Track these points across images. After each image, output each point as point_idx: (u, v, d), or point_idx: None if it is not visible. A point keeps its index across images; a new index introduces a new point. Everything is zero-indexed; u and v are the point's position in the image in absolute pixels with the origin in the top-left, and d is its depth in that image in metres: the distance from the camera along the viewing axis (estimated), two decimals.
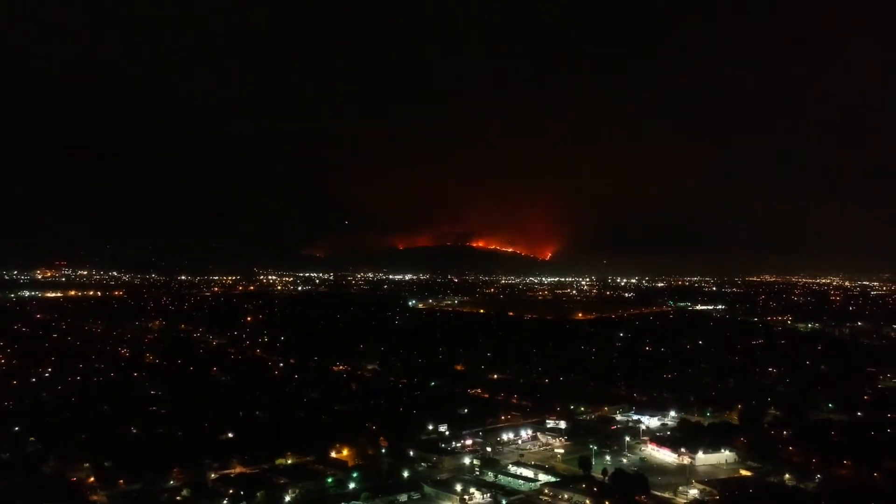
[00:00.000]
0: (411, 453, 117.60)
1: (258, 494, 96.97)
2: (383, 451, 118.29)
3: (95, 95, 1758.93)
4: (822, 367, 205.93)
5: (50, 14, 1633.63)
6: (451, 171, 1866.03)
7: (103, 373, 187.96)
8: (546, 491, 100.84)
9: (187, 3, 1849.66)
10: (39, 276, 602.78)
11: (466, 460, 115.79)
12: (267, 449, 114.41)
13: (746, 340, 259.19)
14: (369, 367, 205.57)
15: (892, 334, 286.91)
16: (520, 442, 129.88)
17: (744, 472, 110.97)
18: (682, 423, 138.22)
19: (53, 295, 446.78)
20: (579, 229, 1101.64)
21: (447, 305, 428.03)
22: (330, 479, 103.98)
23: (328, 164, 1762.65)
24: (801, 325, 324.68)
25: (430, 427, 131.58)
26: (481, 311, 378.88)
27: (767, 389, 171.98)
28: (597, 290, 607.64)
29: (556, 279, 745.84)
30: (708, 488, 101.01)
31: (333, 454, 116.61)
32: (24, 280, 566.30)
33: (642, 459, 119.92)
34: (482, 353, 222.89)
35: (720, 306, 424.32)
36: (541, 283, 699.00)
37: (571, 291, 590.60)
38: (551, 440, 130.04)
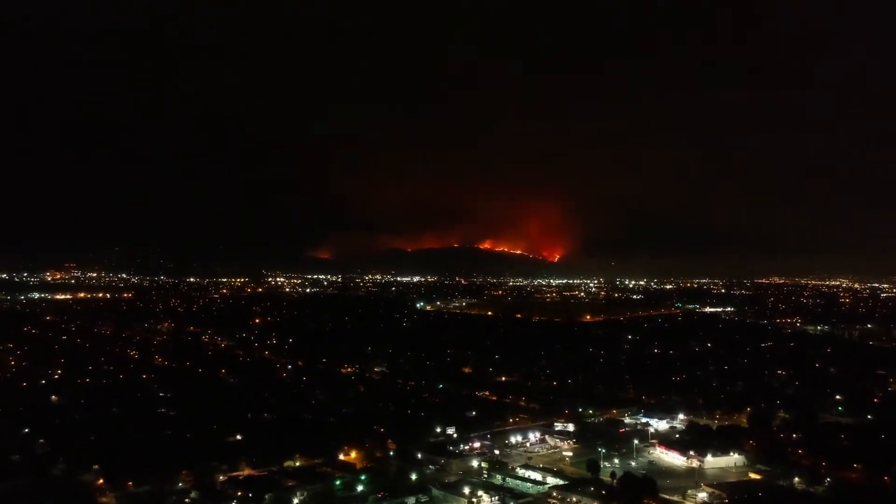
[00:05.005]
0: (419, 456, 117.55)
1: (266, 497, 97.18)
2: (391, 453, 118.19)
3: (104, 96, 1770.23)
4: (832, 369, 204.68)
5: (55, 15, 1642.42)
6: (459, 172, 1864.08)
7: (112, 375, 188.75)
8: (554, 494, 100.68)
9: (195, 2, 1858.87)
10: (49, 278, 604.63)
11: (474, 463, 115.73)
12: (275, 451, 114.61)
13: (755, 343, 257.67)
14: (377, 369, 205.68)
15: None
16: (528, 445, 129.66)
17: (753, 476, 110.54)
18: (690, 426, 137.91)
19: (63, 297, 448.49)
20: (588, 231, 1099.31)
21: (455, 307, 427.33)
22: (338, 482, 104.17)
23: (335, 165, 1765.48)
24: (810, 328, 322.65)
25: (438, 429, 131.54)
26: (489, 313, 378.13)
27: (776, 392, 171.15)
28: (605, 292, 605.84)
29: (565, 281, 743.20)
30: (717, 492, 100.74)
31: (342, 456, 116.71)
32: (33, 282, 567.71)
33: (651, 462, 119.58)
34: (490, 356, 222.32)
35: (729, 308, 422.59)
36: (549, 286, 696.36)
37: (580, 293, 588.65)
38: (559, 443, 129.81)
